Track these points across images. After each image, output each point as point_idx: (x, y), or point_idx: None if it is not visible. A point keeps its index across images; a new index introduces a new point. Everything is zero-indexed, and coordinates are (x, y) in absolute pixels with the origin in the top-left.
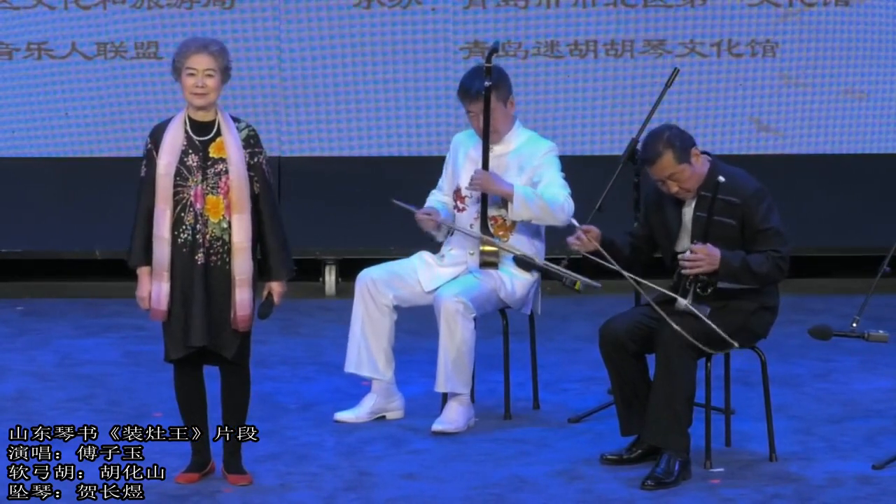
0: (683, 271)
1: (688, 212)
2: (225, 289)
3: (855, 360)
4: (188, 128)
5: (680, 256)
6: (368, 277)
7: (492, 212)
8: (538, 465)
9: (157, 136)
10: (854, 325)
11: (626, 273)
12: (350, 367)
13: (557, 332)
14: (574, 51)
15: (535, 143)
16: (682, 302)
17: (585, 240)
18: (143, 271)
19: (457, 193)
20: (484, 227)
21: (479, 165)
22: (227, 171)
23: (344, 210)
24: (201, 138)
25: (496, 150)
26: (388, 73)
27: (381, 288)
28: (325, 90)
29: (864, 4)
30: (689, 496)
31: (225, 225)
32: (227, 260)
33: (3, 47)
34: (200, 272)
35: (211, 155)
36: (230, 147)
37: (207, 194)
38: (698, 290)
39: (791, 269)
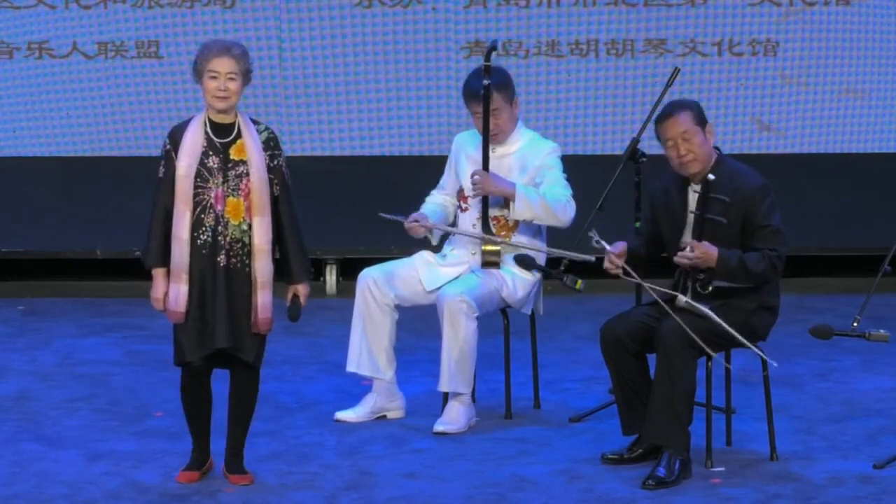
0: (676, 260)
1: (692, 205)
2: (245, 291)
3: (856, 360)
4: (208, 129)
5: (679, 253)
6: (370, 277)
7: (493, 212)
8: (539, 465)
9: (176, 136)
10: (855, 324)
11: (635, 276)
12: (351, 366)
13: (558, 331)
14: (575, 50)
15: (538, 143)
16: (682, 298)
17: (619, 263)
18: (158, 272)
19: (460, 194)
20: (485, 227)
21: (480, 166)
22: (247, 174)
23: (344, 210)
24: (222, 140)
25: (499, 150)
26: (388, 73)
27: (382, 287)
28: (326, 90)
29: (864, 4)
30: (689, 495)
31: (245, 227)
32: (247, 262)
33: (4, 47)
34: (223, 274)
35: (232, 157)
36: (251, 149)
37: (228, 196)
38: (698, 287)
39: (792, 268)
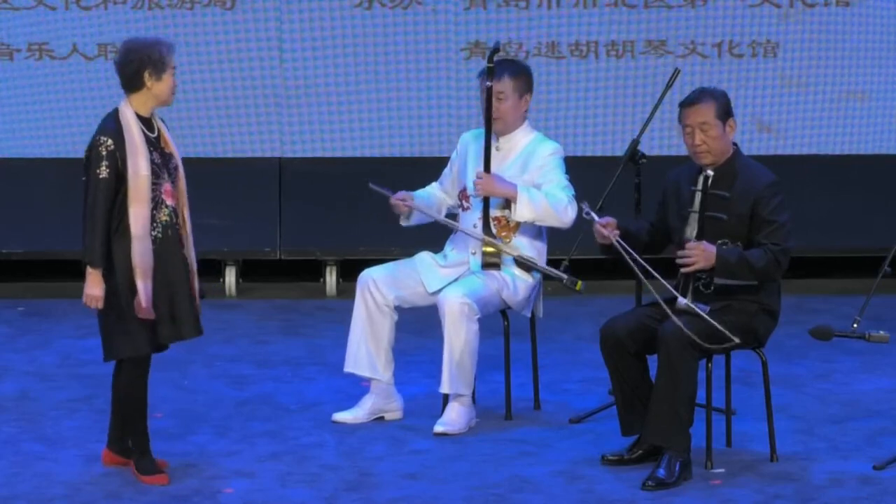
0: (681, 269)
1: (696, 204)
2: (187, 277)
3: (856, 361)
4: (142, 126)
5: (678, 253)
6: (370, 277)
7: (495, 212)
8: (539, 466)
9: (115, 136)
10: (855, 325)
11: (636, 269)
12: (349, 366)
13: (558, 332)
14: (575, 51)
15: (541, 143)
16: (682, 300)
17: (606, 234)
18: (98, 272)
19: (462, 193)
20: (486, 228)
21: (481, 166)
22: (178, 165)
23: (345, 211)
24: (152, 135)
25: (503, 147)
26: (388, 74)
27: (382, 288)
28: (326, 90)
29: (864, 5)
30: (689, 496)
31: (181, 218)
32: (183, 250)
33: (4, 48)
34: (182, 265)
35: (164, 150)
36: (170, 140)
37: (173, 189)
38: (701, 287)
39: (792, 269)
